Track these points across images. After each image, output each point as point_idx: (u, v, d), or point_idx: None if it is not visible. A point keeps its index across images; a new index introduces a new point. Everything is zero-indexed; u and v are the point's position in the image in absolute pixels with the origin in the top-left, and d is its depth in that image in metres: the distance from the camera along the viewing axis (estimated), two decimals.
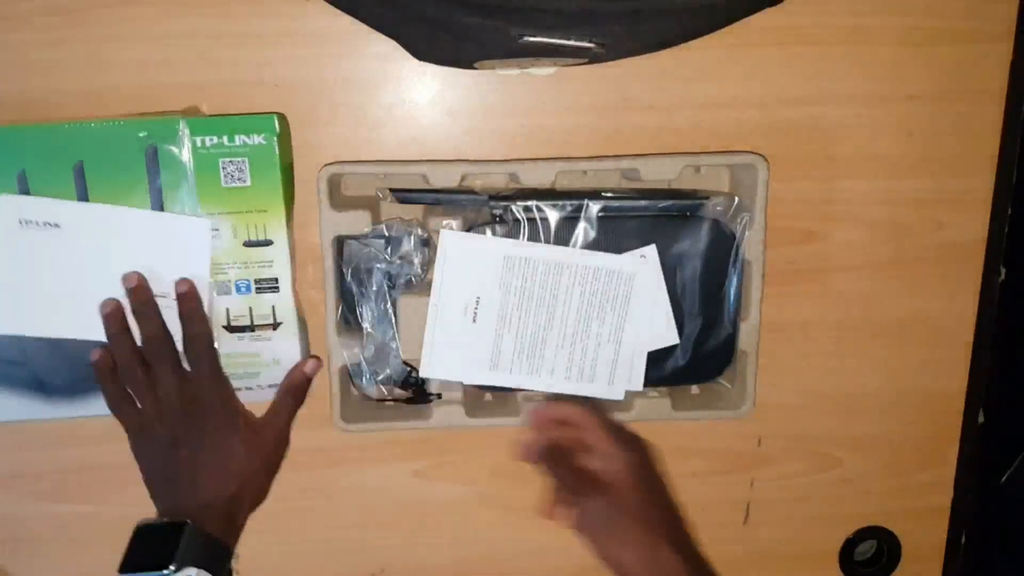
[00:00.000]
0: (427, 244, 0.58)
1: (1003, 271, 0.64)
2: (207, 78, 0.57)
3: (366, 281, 0.58)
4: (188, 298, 0.55)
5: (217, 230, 0.56)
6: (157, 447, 0.55)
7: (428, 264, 0.59)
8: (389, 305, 0.58)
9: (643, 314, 0.59)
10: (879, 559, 0.70)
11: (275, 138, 0.55)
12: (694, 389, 0.63)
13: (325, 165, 0.56)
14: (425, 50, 0.56)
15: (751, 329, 0.60)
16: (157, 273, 0.55)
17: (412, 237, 0.58)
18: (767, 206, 0.58)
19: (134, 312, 0.55)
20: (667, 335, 0.59)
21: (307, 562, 0.67)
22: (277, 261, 0.57)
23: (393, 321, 0.58)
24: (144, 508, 0.64)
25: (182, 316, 0.55)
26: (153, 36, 0.56)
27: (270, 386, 0.59)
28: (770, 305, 0.60)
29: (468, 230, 0.57)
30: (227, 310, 0.57)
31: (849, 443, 0.68)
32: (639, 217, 0.58)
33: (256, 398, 0.59)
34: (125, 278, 0.55)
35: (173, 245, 0.55)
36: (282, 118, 0.57)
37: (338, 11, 0.55)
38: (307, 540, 0.66)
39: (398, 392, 0.60)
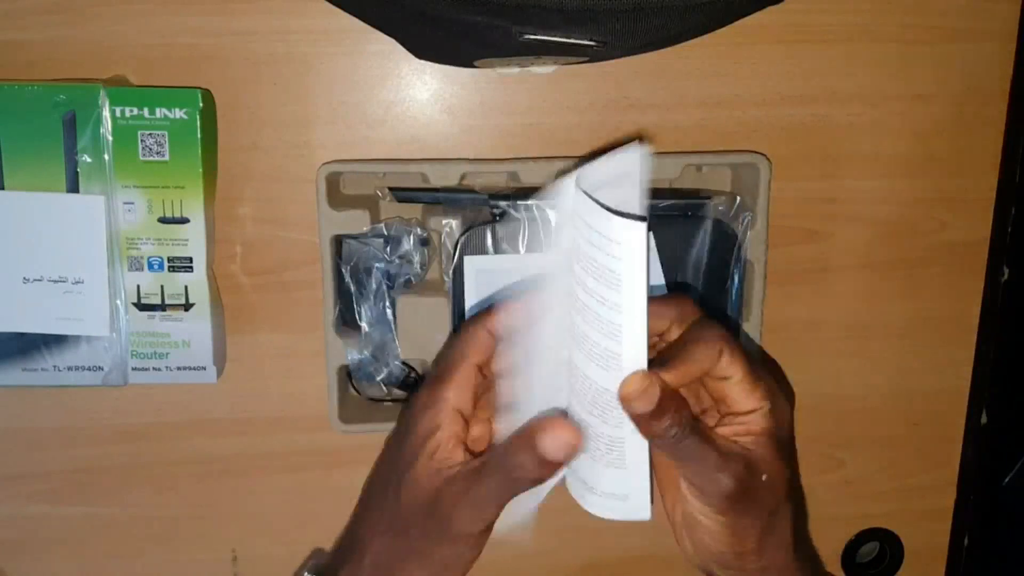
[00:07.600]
0: (426, 243, 0.58)
1: (1006, 271, 0.63)
2: (206, 77, 0.57)
3: (365, 280, 0.58)
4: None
5: (133, 204, 0.55)
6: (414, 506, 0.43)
7: (427, 263, 0.58)
8: (388, 305, 0.58)
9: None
10: (882, 561, 0.70)
11: (197, 113, 0.54)
12: None
13: (324, 164, 0.56)
14: (425, 48, 0.56)
15: (753, 329, 0.59)
16: (58, 255, 0.54)
17: (411, 236, 0.58)
18: (769, 206, 0.58)
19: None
20: None
21: None
22: (192, 240, 0.56)
23: (392, 321, 0.58)
24: (143, 509, 0.64)
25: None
26: (153, 31, 0.56)
27: (179, 368, 0.57)
28: (772, 305, 0.60)
29: (467, 229, 0.56)
30: (138, 287, 0.56)
31: (851, 444, 0.67)
32: None
33: (163, 380, 0.57)
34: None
35: (70, 225, 0.54)
36: (207, 94, 0.56)
37: (337, 9, 0.55)
38: (307, 540, 0.66)
39: (397, 392, 0.60)
